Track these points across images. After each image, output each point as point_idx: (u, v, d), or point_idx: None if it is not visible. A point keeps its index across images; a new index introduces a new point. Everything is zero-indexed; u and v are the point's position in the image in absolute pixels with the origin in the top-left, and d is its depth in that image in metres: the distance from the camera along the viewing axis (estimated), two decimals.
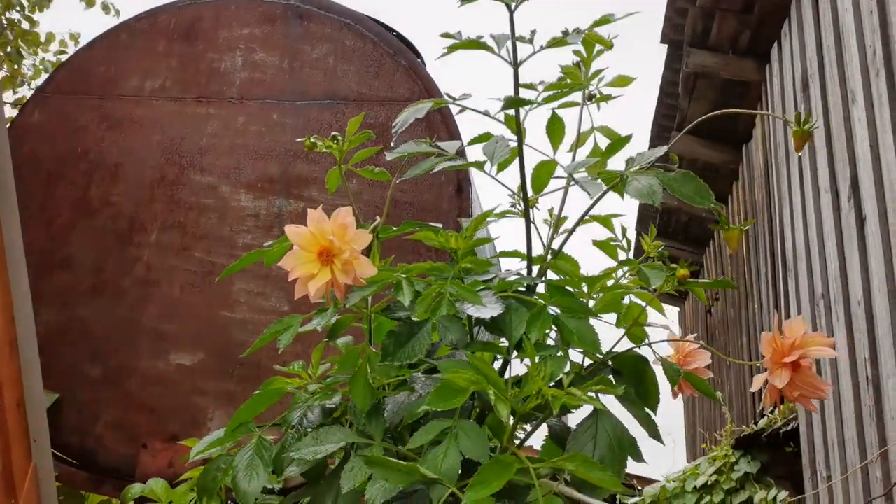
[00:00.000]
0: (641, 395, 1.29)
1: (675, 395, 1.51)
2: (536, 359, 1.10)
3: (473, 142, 1.44)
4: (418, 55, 2.99)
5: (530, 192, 1.48)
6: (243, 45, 2.75)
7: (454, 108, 1.46)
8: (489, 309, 1.16)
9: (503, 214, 1.49)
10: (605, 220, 1.47)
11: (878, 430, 3.06)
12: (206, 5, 2.82)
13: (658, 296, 1.44)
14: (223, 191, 2.63)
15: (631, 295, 1.39)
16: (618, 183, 1.23)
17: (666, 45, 6.08)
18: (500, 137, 1.39)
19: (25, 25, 6.43)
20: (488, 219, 1.48)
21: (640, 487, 5.46)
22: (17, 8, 6.35)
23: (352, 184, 2.55)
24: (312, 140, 1.34)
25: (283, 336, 1.26)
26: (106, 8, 6.66)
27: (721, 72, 5.49)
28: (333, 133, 1.34)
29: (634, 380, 1.28)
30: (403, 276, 1.18)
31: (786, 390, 1.03)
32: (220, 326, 2.49)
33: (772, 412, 4.74)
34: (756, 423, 4.88)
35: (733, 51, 5.34)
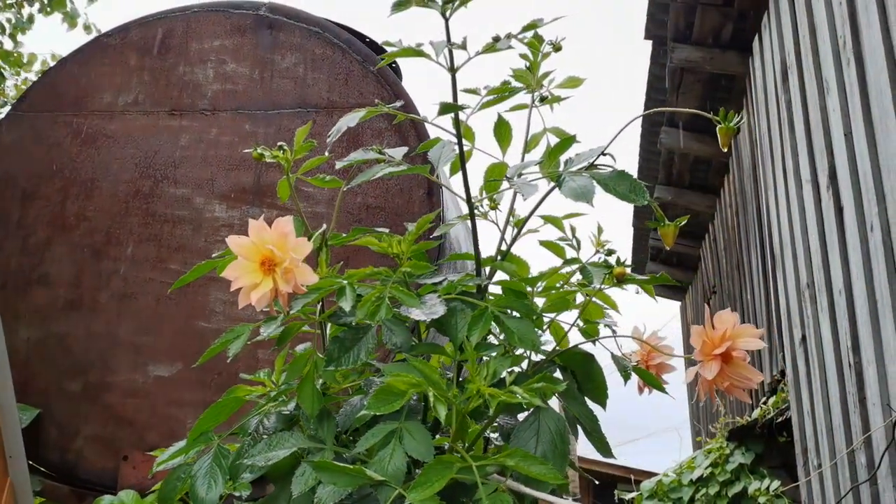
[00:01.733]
0: (591, 391, 1.31)
1: (640, 391, 1.53)
2: (478, 359, 1.12)
3: (423, 147, 1.46)
4: (392, 62, 3.01)
5: (484, 194, 1.50)
6: (214, 57, 2.77)
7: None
8: (431, 311, 1.18)
9: (464, 218, 1.50)
10: (555, 221, 1.48)
11: (861, 416, 3.07)
12: (176, 19, 2.84)
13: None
14: (197, 202, 2.65)
15: (581, 293, 1.41)
16: (555, 186, 1.24)
17: (650, 42, 6.08)
18: (447, 142, 1.41)
19: (8, 46, 6.47)
20: (453, 221, 1.50)
21: (637, 480, 5.47)
22: None
23: (324, 191, 2.58)
24: (259, 151, 1.36)
25: (233, 344, 1.28)
26: (87, 28, 6.70)
27: (706, 66, 5.50)
28: (280, 143, 1.35)
29: (582, 376, 1.30)
30: (346, 282, 1.20)
31: (716, 381, 1.05)
32: (197, 337, 2.51)
33: (765, 403, 4.75)
34: (750, 415, 4.89)
35: (717, 44, 5.36)
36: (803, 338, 3.94)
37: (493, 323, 1.21)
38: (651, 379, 1.35)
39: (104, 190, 2.72)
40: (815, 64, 3.57)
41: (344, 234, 1.40)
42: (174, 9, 2.85)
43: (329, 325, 1.38)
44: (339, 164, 1.45)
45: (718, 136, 1.10)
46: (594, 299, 1.39)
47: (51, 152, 2.77)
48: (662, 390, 1.34)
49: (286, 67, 2.71)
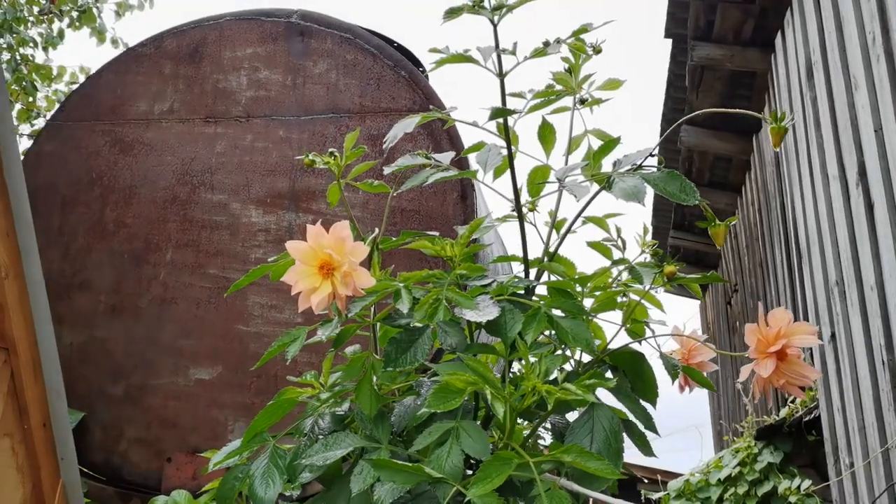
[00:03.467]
0: (640, 390, 1.33)
1: (681, 390, 1.54)
2: (531, 358, 1.14)
3: (468, 151, 1.49)
4: (419, 65, 3.04)
5: (527, 197, 1.52)
6: (247, 65, 2.81)
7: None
8: (485, 312, 1.20)
9: (505, 218, 1.53)
10: (600, 221, 1.50)
11: None
12: (209, 27, 2.88)
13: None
14: (234, 208, 2.69)
15: (631, 293, 1.43)
16: (605, 185, 1.27)
17: (670, 40, 6.08)
18: (493, 146, 1.44)
19: (39, 59, 6.61)
20: (490, 223, 1.52)
21: (665, 481, 5.47)
22: (31, 45, 6.51)
23: (358, 194, 2.61)
24: (311, 157, 1.39)
25: (291, 347, 1.31)
26: (115, 42, 6.82)
27: (727, 63, 5.49)
28: (331, 150, 1.38)
29: (632, 375, 1.32)
30: (402, 284, 1.22)
31: (772, 379, 1.06)
32: (237, 340, 2.55)
33: (793, 401, 4.74)
34: (778, 413, 4.88)
35: (737, 42, 5.35)
36: (832, 335, 3.93)
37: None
38: (700, 377, 1.37)
39: (142, 197, 2.77)
40: (843, 60, 3.57)
41: (393, 238, 1.42)
42: (206, 18, 2.90)
43: (377, 327, 1.41)
44: (387, 170, 1.48)
45: (770, 135, 1.11)
46: (639, 299, 1.41)
47: (89, 160, 2.83)
48: (712, 388, 1.36)
49: (318, 73, 2.74)
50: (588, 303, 1.40)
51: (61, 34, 6.60)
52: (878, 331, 3.22)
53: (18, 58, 6.48)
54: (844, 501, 3.87)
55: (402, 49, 2.95)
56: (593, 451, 1.14)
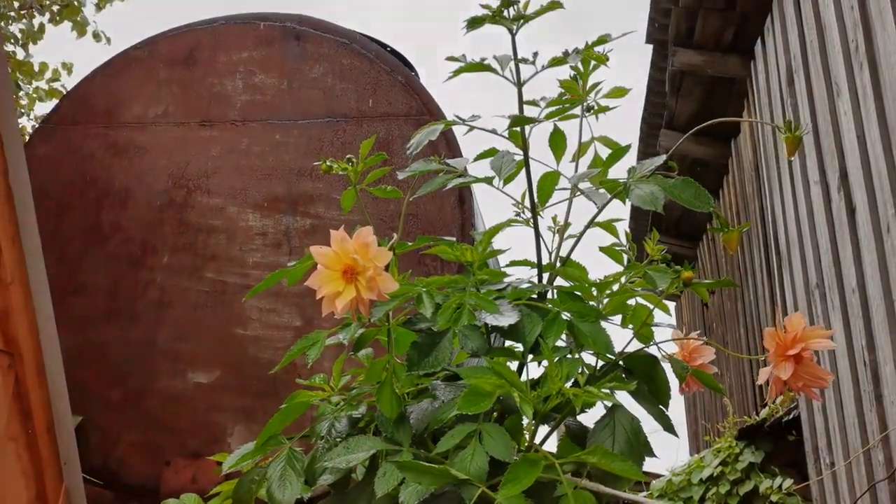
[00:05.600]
0: (653, 393, 1.36)
1: (682, 392, 1.58)
2: (554, 360, 1.17)
3: (480, 157, 1.51)
4: (412, 69, 3.06)
5: (526, 203, 1.55)
6: (243, 69, 2.82)
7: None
8: (506, 317, 1.23)
9: (509, 223, 1.56)
10: (610, 227, 1.54)
11: (878, 414, 3.13)
12: (203, 31, 2.88)
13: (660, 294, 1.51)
14: (231, 211, 2.69)
15: (638, 297, 1.46)
16: (621, 191, 1.30)
17: (651, 46, 6.16)
18: (506, 152, 1.46)
19: (20, 56, 6.49)
20: (482, 228, 1.55)
21: (646, 481, 5.52)
22: (12, 41, 6.40)
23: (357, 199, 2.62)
24: (328, 163, 1.41)
25: (311, 351, 1.32)
26: (97, 36, 6.71)
27: (707, 69, 5.57)
28: (348, 156, 1.40)
29: (646, 378, 1.35)
30: (423, 289, 1.24)
31: (790, 381, 1.10)
32: (235, 344, 2.55)
33: (773, 402, 4.82)
34: (758, 414, 4.96)
35: (718, 48, 5.43)
36: None
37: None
38: (710, 380, 1.40)
39: (138, 200, 2.76)
40: (824, 67, 3.64)
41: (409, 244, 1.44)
42: (201, 22, 2.89)
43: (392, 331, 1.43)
44: (401, 175, 1.50)
45: (785, 144, 1.15)
46: (650, 305, 1.45)
47: (84, 164, 2.81)
48: (721, 391, 1.39)
49: (314, 78, 2.76)
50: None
51: (42, 28, 6.49)
52: (859, 332, 3.30)
53: None
54: (825, 500, 3.95)
55: (395, 53, 2.97)
56: (615, 453, 1.17)
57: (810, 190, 3.94)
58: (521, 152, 1.38)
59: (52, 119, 2.88)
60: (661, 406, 1.36)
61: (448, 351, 1.25)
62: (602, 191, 1.31)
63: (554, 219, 1.57)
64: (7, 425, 1.75)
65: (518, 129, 1.38)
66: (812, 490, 4.12)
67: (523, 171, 1.49)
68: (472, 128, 1.35)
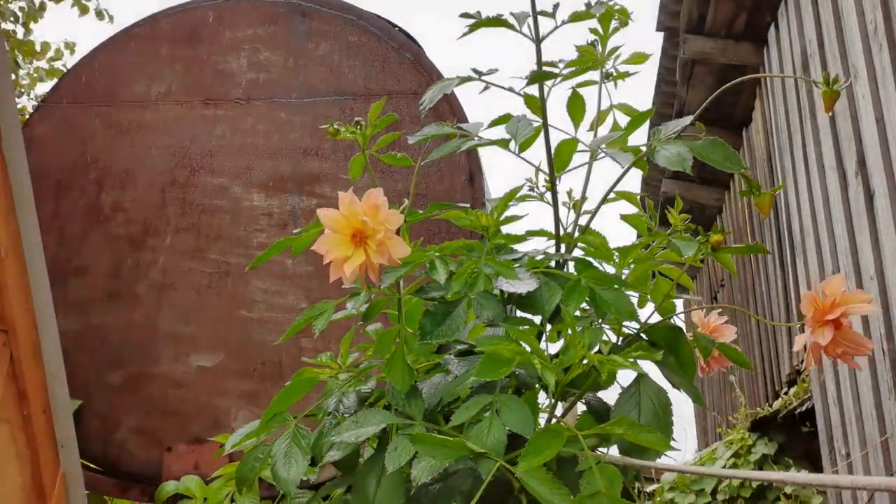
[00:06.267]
0: (678, 365, 1.29)
1: (702, 371, 1.51)
2: (577, 329, 1.10)
3: (495, 123, 1.44)
4: (419, 47, 2.99)
5: (541, 173, 1.48)
6: (247, 46, 2.75)
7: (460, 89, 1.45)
8: (524, 284, 1.16)
9: (525, 193, 1.49)
10: (630, 196, 1.47)
11: None
12: (207, 7, 2.82)
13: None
14: (235, 191, 2.63)
15: (659, 270, 1.40)
16: (645, 154, 1.23)
17: (661, 34, 6.08)
18: (523, 117, 1.39)
19: (20, 35, 6.40)
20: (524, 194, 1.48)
21: (656, 475, 5.45)
22: (11, 19, 6.32)
23: (363, 176, 2.55)
24: (336, 126, 1.34)
25: (318, 321, 1.25)
26: (100, 14, 6.62)
27: (719, 57, 5.49)
28: (357, 119, 1.33)
29: (670, 350, 1.28)
30: (437, 255, 1.18)
31: (829, 348, 1.03)
32: (239, 326, 2.49)
33: (786, 393, 4.74)
34: (771, 405, 4.88)
35: (730, 35, 5.35)
36: None
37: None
38: (737, 354, 1.33)
39: (140, 180, 2.70)
40: (841, 51, 3.56)
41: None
42: None
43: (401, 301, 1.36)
44: (412, 140, 1.44)
45: (822, 99, 1.08)
46: (672, 279, 1.38)
47: (84, 143, 2.75)
48: (748, 366, 1.32)
49: (321, 55, 2.69)
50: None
51: (42, 6, 6.40)
52: (878, 320, 3.22)
53: None
54: (840, 492, 3.87)
55: (402, 32, 2.89)
56: (642, 424, 1.10)
57: (826, 176, 3.86)
58: (542, 115, 1.31)
59: (52, 98, 2.82)
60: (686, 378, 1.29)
61: (462, 319, 1.18)
62: (626, 153, 1.24)
63: (569, 193, 1.51)
64: (1, 406, 1.68)
65: (535, 92, 1.31)
66: None
67: (539, 138, 1.42)
68: (487, 85, 1.28)
